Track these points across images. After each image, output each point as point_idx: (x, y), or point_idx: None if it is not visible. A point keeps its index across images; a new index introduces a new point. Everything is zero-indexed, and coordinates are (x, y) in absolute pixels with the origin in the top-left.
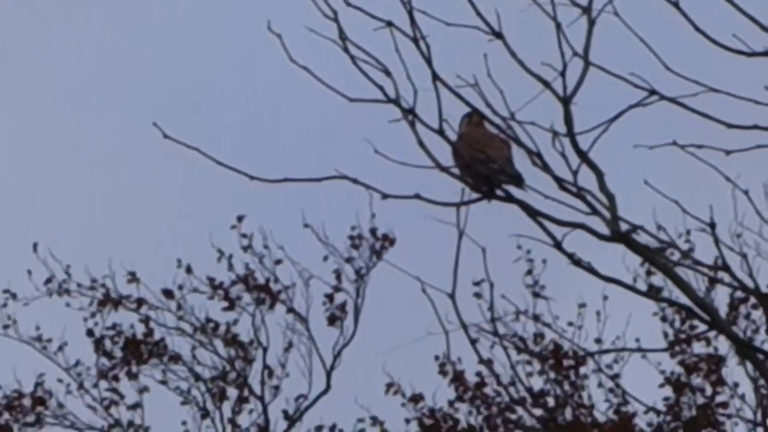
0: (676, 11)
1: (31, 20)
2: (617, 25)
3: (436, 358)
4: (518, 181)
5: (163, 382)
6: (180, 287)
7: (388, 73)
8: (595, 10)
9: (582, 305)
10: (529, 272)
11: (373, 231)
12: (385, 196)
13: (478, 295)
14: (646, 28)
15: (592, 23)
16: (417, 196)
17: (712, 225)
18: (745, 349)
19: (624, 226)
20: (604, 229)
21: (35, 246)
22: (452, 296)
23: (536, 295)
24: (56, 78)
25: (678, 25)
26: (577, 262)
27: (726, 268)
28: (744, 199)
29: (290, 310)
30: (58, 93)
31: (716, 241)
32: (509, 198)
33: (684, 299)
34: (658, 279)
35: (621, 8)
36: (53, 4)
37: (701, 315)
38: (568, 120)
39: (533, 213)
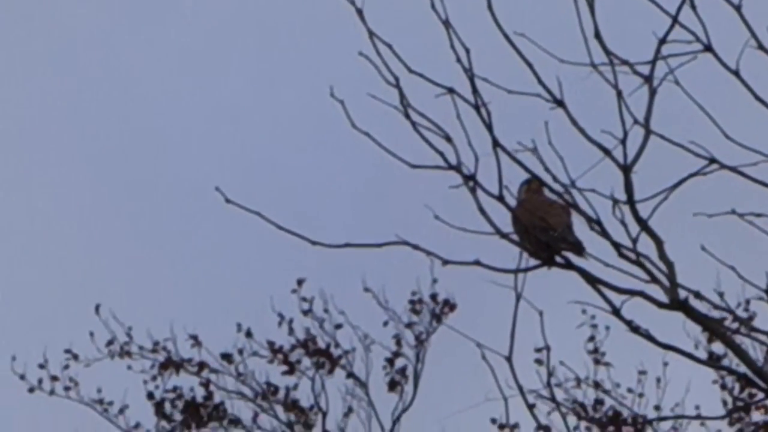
0: (737, 80)
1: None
2: (678, 94)
3: (493, 421)
4: (578, 248)
5: None
6: (240, 351)
7: (449, 139)
8: (657, 79)
9: (642, 372)
10: (592, 338)
11: (433, 296)
12: (445, 262)
13: (539, 362)
14: (707, 97)
15: (653, 92)
16: (477, 263)
17: None
18: None
19: (683, 294)
20: (663, 297)
21: (97, 308)
22: (509, 359)
23: (597, 361)
24: (119, 147)
25: (739, 93)
26: (635, 329)
27: None
28: None
29: (350, 374)
30: (119, 160)
31: None
32: (569, 265)
33: (743, 367)
34: (718, 346)
35: (682, 77)
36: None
37: (759, 383)
38: (629, 188)
39: (592, 280)
